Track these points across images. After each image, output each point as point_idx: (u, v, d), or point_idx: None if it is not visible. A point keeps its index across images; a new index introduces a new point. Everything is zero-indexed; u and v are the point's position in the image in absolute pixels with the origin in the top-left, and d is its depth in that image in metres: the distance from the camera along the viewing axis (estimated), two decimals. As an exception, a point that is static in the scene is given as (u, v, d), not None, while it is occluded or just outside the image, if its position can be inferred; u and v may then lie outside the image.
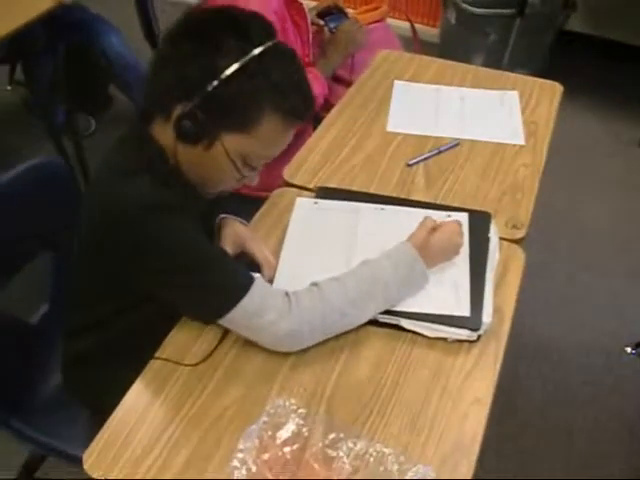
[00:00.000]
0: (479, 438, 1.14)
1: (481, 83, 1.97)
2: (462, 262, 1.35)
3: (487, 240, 1.41)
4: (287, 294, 1.17)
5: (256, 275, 1.28)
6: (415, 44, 2.52)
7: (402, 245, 1.28)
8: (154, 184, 1.12)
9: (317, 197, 1.51)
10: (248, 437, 1.09)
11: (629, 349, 2.40)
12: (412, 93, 1.91)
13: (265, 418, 1.12)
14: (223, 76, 1.06)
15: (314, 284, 1.21)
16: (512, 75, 2.02)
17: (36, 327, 1.59)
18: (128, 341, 1.28)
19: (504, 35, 3.22)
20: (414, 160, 1.67)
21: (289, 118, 1.14)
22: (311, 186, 1.59)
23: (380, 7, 2.24)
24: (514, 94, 1.91)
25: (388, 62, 2.06)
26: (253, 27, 1.11)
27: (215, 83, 1.07)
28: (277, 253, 1.39)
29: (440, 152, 1.70)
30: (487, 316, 1.27)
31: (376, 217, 1.45)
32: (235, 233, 1.37)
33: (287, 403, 1.15)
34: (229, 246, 1.35)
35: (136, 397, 1.17)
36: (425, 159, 1.68)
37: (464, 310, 1.27)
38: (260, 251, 1.35)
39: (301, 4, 1.83)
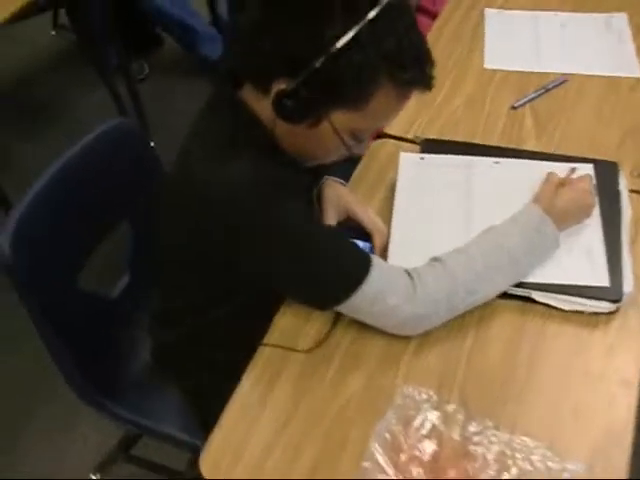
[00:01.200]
0: (631, 427, 1.02)
1: (583, 5, 1.76)
2: (594, 223, 1.21)
3: (618, 194, 1.26)
4: (409, 273, 1.05)
5: (367, 245, 1.18)
6: None
7: (529, 208, 1.15)
8: (259, 160, 0.99)
9: (422, 152, 1.36)
10: (378, 436, 0.99)
11: None
12: (507, 23, 1.73)
13: (394, 411, 1.02)
14: (333, 50, 0.89)
15: (436, 259, 1.08)
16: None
17: (117, 302, 1.50)
18: (227, 327, 1.18)
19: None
20: (520, 102, 1.51)
21: (407, 89, 0.98)
22: (409, 136, 1.45)
23: None
24: (622, 17, 1.71)
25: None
26: None
27: (324, 58, 0.90)
28: (382, 213, 1.27)
29: (547, 90, 1.54)
30: (628, 285, 1.13)
31: (491, 172, 1.30)
32: (338, 196, 1.24)
33: (416, 392, 1.04)
34: (332, 212, 1.23)
35: (248, 390, 1.08)
36: (531, 100, 1.51)
37: (602, 279, 1.14)
38: (368, 217, 1.23)
39: None
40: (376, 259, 1.05)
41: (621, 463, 0.98)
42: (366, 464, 0.97)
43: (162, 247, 1.17)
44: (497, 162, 1.32)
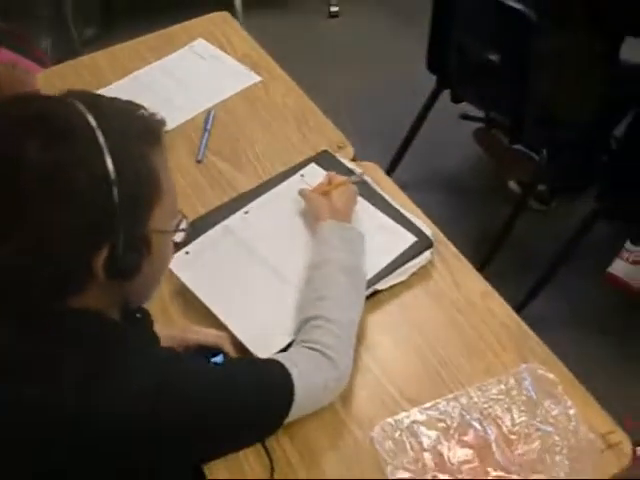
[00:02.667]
0: (515, 317, 1.20)
1: (156, 51, 1.81)
2: (362, 205, 1.32)
3: (351, 172, 1.38)
4: (310, 347, 1.05)
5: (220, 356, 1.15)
6: (42, 56, 2.15)
7: (324, 226, 1.22)
8: (142, 354, 0.87)
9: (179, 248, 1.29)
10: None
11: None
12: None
13: (387, 450, 1.04)
14: (116, 184, 0.77)
15: (311, 318, 1.09)
16: (172, 29, 1.89)
17: None
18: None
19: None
20: (199, 154, 1.52)
21: (163, 146, 0.88)
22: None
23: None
24: (201, 42, 1.81)
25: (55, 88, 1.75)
26: (58, 110, 0.79)
27: (115, 199, 0.77)
28: (203, 319, 1.21)
29: (208, 130, 1.57)
30: (426, 228, 1.28)
31: (251, 223, 1.32)
32: (171, 338, 1.14)
33: (387, 424, 1.07)
34: None
35: None
36: (205, 146, 1.54)
37: (409, 238, 1.27)
38: (202, 334, 1.16)
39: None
40: (282, 358, 1.02)
41: (533, 338, 1.17)
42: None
43: None
44: (246, 212, 1.33)
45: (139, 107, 0.86)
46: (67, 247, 0.77)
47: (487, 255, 2.25)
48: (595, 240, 2.08)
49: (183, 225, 0.94)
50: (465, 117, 2.43)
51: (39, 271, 0.77)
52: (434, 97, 2.27)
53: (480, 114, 2.34)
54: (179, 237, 0.93)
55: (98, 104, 0.82)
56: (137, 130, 0.83)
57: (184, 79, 1.71)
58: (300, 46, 3.13)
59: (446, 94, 2.22)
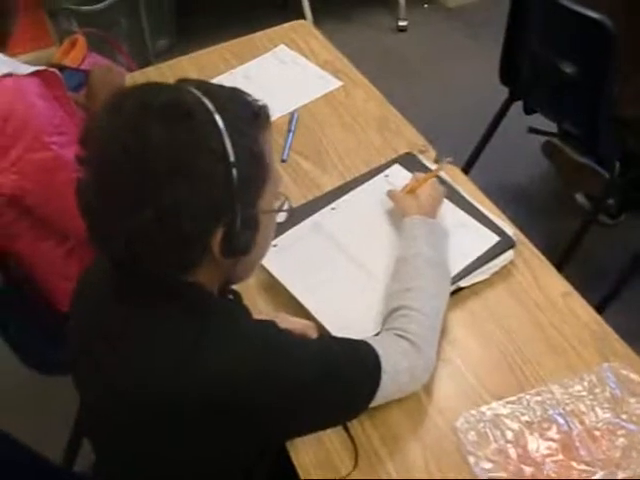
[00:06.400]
0: (596, 315, 1.22)
1: (239, 57, 1.88)
2: (447, 205, 1.35)
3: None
4: (396, 333, 1.09)
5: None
6: (129, 62, 2.25)
7: (412, 221, 1.25)
8: (244, 326, 0.92)
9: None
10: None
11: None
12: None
13: (470, 440, 1.06)
14: (235, 167, 0.82)
15: (397, 309, 1.13)
16: (254, 36, 1.96)
17: None
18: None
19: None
20: (284, 153, 1.57)
21: (270, 127, 0.93)
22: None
23: (76, 41, 1.94)
24: (283, 48, 1.87)
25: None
26: (177, 99, 0.84)
27: (234, 180, 0.83)
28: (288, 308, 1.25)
29: (293, 130, 1.62)
30: (508, 228, 1.31)
31: (338, 218, 1.37)
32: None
33: (470, 415, 1.09)
34: None
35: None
36: (290, 146, 1.59)
37: (492, 238, 1.30)
38: (290, 322, 1.20)
39: (54, 72, 1.50)
40: (370, 340, 1.05)
41: (615, 339, 1.18)
42: None
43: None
44: (333, 208, 1.38)
45: (244, 93, 0.92)
46: (189, 223, 0.82)
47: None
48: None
49: (285, 205, 0.99)
50: (533, 131, 2.44)
51: (164, 244, 0.83)
52: (505, 109, 2.29)
53: (549, 128, 2.35)
54: (282, 217, 0.98)
55: (211, 90, 0.87)
56: (249, 114, 0.88)
57: (267, 83, 1.77)
58: (368, 60, 3.19)
59: (515, 106, 2.24)
